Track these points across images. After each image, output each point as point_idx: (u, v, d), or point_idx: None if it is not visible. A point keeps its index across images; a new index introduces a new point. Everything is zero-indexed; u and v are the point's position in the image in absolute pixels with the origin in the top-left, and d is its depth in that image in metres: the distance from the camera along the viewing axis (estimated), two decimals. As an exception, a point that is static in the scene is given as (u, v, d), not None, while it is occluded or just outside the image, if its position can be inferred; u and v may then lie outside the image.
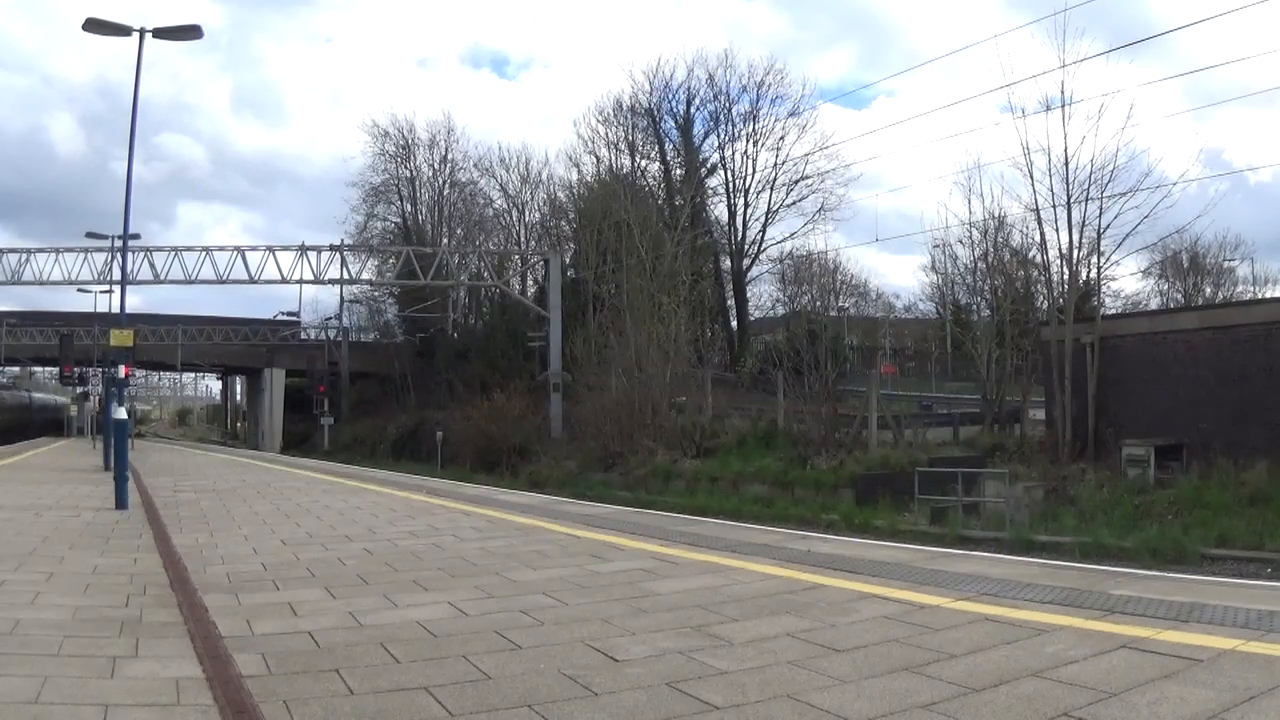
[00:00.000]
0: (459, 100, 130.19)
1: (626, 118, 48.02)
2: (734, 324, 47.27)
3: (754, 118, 46.38)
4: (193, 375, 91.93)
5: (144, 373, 66.19)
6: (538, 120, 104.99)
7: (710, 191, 46.67)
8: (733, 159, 46.74)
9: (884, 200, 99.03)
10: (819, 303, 43.18)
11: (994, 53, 58.45)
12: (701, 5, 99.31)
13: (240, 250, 39.52)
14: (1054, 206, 22.63)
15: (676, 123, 48.23)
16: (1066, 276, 22.97)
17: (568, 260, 45.31)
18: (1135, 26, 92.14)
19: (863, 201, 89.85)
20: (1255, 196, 68.16)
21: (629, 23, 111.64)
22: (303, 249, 39.64)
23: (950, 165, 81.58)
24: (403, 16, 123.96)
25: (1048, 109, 22.39)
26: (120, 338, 15.45)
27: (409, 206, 54.90)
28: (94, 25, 15.22)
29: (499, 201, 52.60)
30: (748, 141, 46.40)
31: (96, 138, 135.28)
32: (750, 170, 46.03)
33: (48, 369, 68.18)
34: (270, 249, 39.79)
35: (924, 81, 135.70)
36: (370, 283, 51.86)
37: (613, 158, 47.67)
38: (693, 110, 48.02)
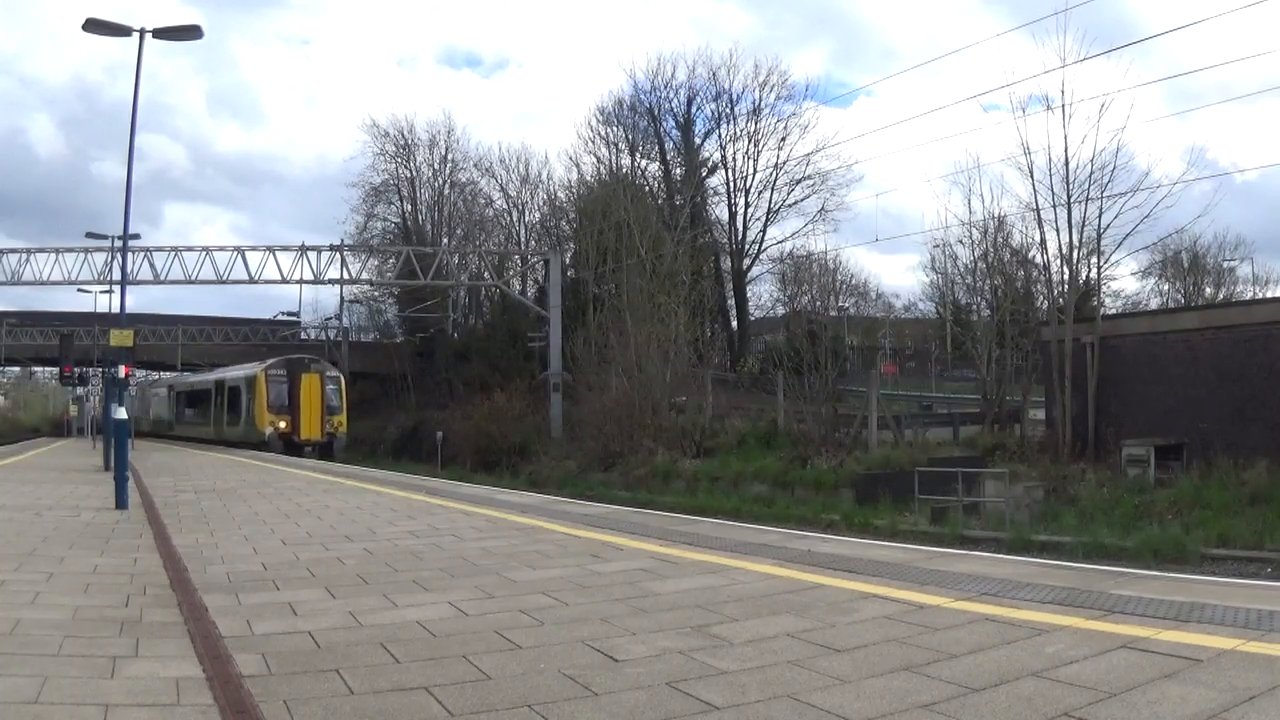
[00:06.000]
0: (438, 100, 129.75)
1: (627, 117, 48.08)
2: (734, 324, 47.28)
3: (756, 117, 46.44)
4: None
5: (144, 373, 65.66)
6: (514, 120, 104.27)
7: (711, 191, 46.74)
8: (734, 159, 46.80)
9: (872, 200, 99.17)
10: (819, 303, 43.21)
11: (980, 54, 58.80)
12: (670, 4, 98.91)
13: (240, 250, 39.51)
14: (1054, 206, 22.69)
15: (676, 122, 48.28)
16: (1066, 276, 23.00)
17: (568, 260, 45.30)
18: (1117, 29, 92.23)
19: (861, 203, 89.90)
20: (1243, 195, 68.31)
21: (597, 22, 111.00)
22: (303, 249, 39.62)
23: (938, 164, 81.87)
24: (380, 17, 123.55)
25: (1048, 108, 22.46)
26: (120, 338, 15.49)
27: (409, 206, 54.88)
28: (94, 25, 15.26)
29: (499, 201, 52.67)
30: (749, 141, 46.46)
31: (76, 139, 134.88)
32: (751, 170, 46.07)
33: (48, 369, 68.04)
34: (270, 249, 39.75)
35: (905, 81, 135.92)
36: (370, 283, 51.86)
37: (612, 157, 47.72)
38: (693, 110, 48.08)
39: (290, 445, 35.79)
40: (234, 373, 42.54)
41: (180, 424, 48.30)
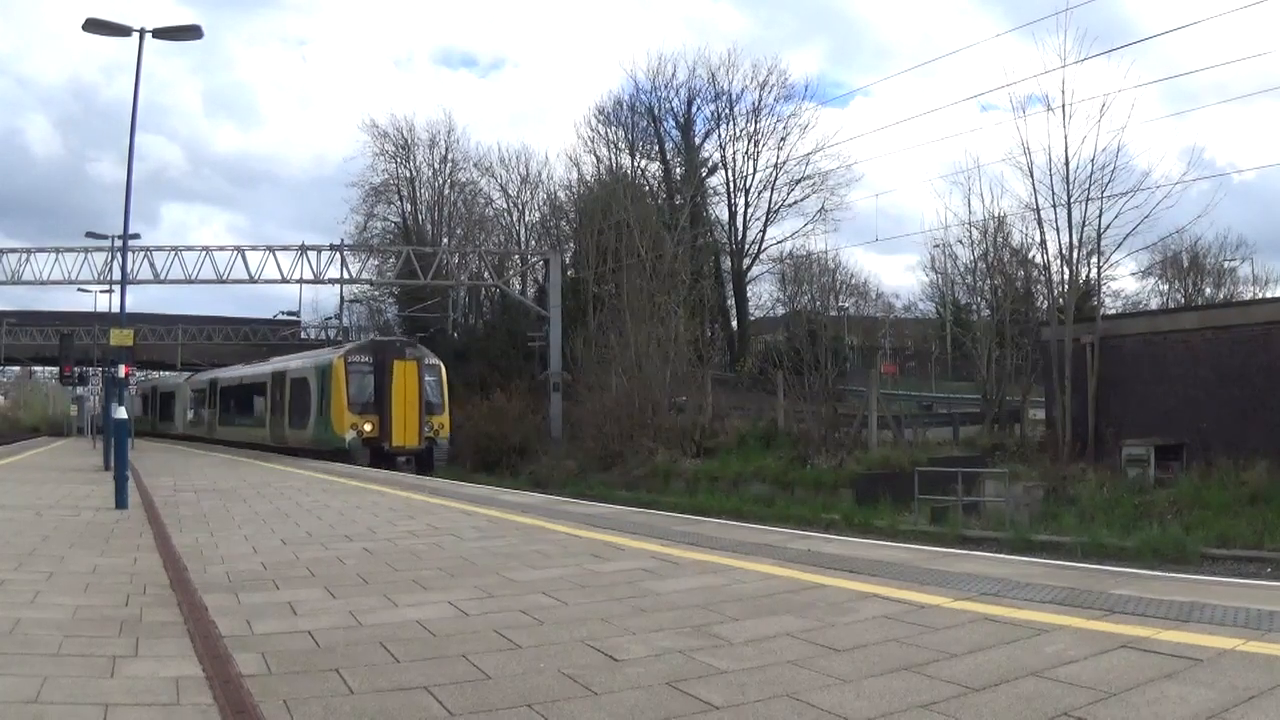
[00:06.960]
0: (435, 101, 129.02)
1: (626, 117, 48.14)
2: (734, 324, 47.32)
3: (755, 117, 46.49)
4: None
5: (144, 373, 65.57)
6: (511, 120, 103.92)
7: (711, 191, 46.79)
8: (734, 159, 46.85)
9: (870, 200, 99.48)
10: (819, 303, 43.23)
11: (978, 54, 58.78)
12: (665, 4, 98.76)
13: (240, 250, 39.51)
14: (1054, 206, 22.73)
15: (676, 122, 48.35)
16: (1066, 276, 23.04)
17: (568, 260, 45.31)
18: (1116, 30, 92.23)
19: (861, 203, 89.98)
20: (1241, 196, 68.34)
21: (593, 23, 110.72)
22: (303, 249, 39.62)
23: (937, 165, 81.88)
24: (376, 18, 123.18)
25: (1048, 108, 22.50)
26: (120, 337, 15.49)
27: (409, 206, 54.84)
28: (94, 25, 15.26)
29: (499, 201, 52.67)
30: (749, 141, 46.51)
31: (73, 139, 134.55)
32: (751, 170, 46.14)
33: (48, 369, 68.06)
34: (270, 249, 39.73)
35: (902, 81, 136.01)
36: (370, 282, 51.81)
37: (612, 157, 47.79)
38: (693, 110, 48.13)
39: (379, 454, 26.83)
40: (299, 361, 33.50)
41: (225, 425, 39.77)
